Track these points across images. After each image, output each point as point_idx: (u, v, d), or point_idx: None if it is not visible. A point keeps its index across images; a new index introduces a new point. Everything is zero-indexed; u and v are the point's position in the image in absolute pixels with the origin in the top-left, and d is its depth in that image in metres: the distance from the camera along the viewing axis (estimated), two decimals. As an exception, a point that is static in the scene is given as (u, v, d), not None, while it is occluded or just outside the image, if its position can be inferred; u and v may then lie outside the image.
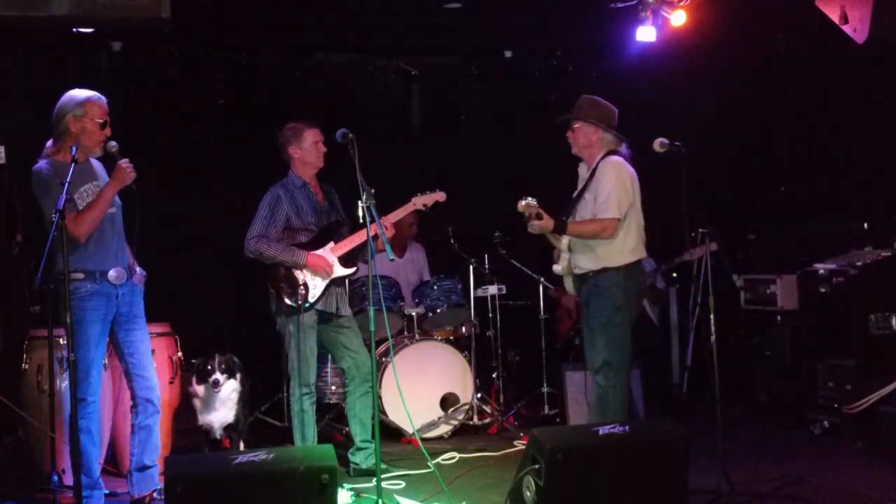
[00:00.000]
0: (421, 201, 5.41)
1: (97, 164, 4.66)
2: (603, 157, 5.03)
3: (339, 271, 5.30)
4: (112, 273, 4.54)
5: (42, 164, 4.50)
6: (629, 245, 4.99)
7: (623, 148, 5.08)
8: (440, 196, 5.44)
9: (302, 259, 5.20)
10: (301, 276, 5.22)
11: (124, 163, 4.50)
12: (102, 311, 4.51)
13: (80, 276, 4.42)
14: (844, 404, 5.77)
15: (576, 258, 5.05)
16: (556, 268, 5.19)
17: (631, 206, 4.97)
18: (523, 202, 4.80)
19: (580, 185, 5.14)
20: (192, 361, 5.34)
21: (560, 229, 4.91)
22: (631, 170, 5.01)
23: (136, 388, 4.69)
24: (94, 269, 4.49)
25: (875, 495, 4.65)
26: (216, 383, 5.10)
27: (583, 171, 5.17)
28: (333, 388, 6.57)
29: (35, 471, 5.03)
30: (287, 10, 6.60)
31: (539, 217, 4.82)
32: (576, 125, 5.06)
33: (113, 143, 4.54)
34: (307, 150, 5.31)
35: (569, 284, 5.21)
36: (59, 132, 4.53)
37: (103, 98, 4.60)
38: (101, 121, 4.53)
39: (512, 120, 7.83)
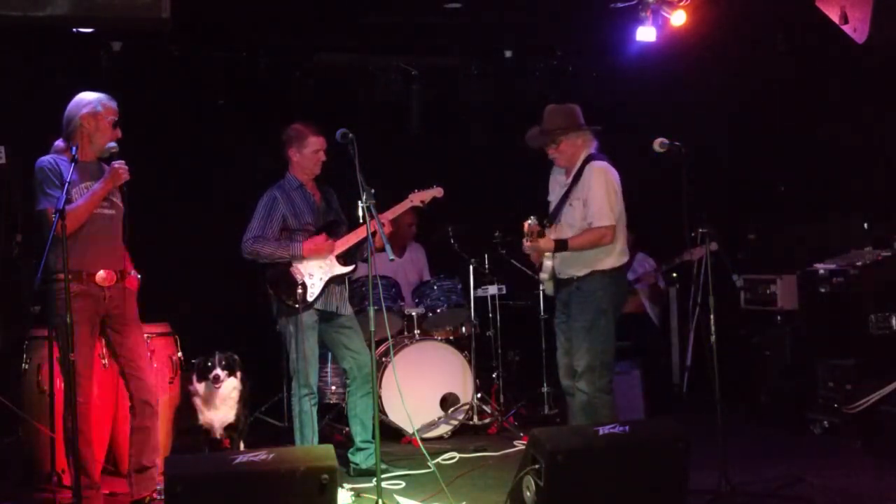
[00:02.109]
0: (418, 197, 5.40)
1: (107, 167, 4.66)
2: (586, 161, 5.00)
3: (338, 269, 5.30)
4: (100, 274, 4.53)
5: (48, 158, 4.53)
6: (618, 248, 4.99)
7: (596, 145, 5.08)
8: (438, 192, 5.43)
9: (298, 250, 5.20)
10: (298, 275, 5.22)
11: (118, 163, 4.51)
12: (89, 312, 4.49)
13: (68, 275, 4.42)
14: (844, 404, 5.77)
15: (563, 265, 5.01)
16: (544, 275, 5.11)
17: (620, 209, 4.98)
18: (529, 221, 4.81)
19: (559, 190, 5.11)
20: (192, 361, 5.34)
21: (561, 247, 4.88)
22: (616, 173, 5.01)
23: (132, 390, 4.68)
24: (80, 270, 4.48)
25: (875, 495, 4.65)
26: (216, 379, 5.11)
27: (560, 177, 5.15)
28: (333, 388, 6.57)
29: (35, 471, 5.03)
30: (287, 10, 6.60)
31: (542, 235, 4.81)
32: (562, 140, 5.01)
33: (112, 144, 4.55)
34: (306, 157, 5.31)
35: (549, 287, 5.18)
36: (70, 130, 4.55)
37: (114, 101, 4.65)
38: (114, 119, 4.57)
39: (512, 120, 7.83)
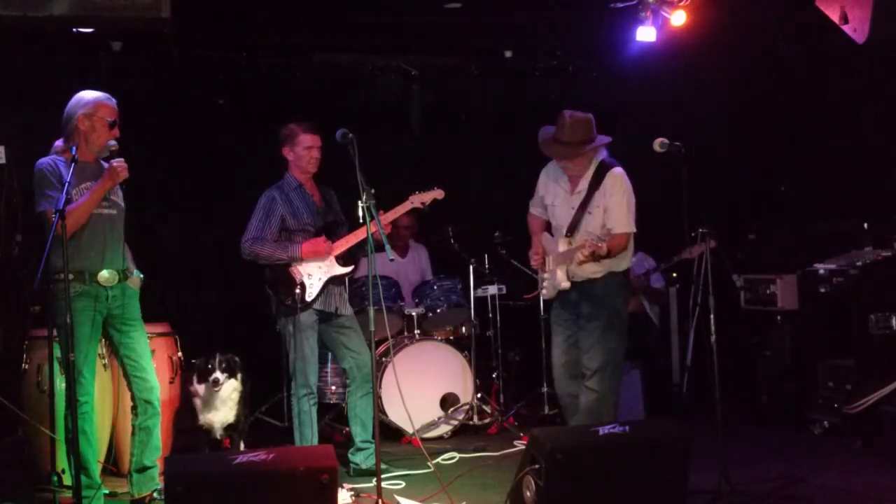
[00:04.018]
0: (419, 199, 5.40)
1: (106, 166, 4.65)
2: (603, 167, 5.02)
3: (337, 270, 5.30)
4: (103, 274, 4.54)
5: (47, 159, 4.53)
6: (630, 252, 5.09)
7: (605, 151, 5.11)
8: (438, 194, 5.42)
9: (297, 251, 5.20)
10: (297, 275, 5.22)
11: (116, 161, 4.50)
12: (91, 312, 4.50)
13: (70, 276, 4.42)
14: (844, 404, 5.77)
15: (580, 269, 5.02)
16: (564, 284, 5.04)
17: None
18: (599, 243, 4.82)
19: (565, 196, 5.09)
20: (192, 361, 5.34)
21: (600, 258, 4.91)
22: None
23: (135, 390, 4.69)
24: (83, 270, 4.48)
25: (875, 495, 4.64)
26: (216, 382, 5.11)
27: (564, 184, 5.11)
28: (333, 388, 6.57)
29: (35, 471, 5.03)
30: (287, 10, 6.60)
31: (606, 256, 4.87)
32: (582, 153, 5.00)
33: (112, 142, 4.54)
34: (299, 155, 5.32)
35: (551, 292, 5.17)
36: (69, 131, 4.56)
37: (113, 100, 4.63)
38: (111, 120, 4.55)
39: (512, 120, 7.83)
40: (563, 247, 5.06)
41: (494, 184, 7.82)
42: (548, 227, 5.32)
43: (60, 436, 4.46)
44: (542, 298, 6.81)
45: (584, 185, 5.05)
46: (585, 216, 5.02)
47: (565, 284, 5.05)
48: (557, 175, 5.16)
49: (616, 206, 4.98)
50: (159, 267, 5.12)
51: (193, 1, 5.58)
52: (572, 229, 5.04)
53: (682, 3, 6.21)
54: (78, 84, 4.68)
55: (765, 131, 7.42)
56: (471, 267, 6.73)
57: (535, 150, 5.19)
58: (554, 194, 5.18)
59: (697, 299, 6.65)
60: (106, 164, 4.63)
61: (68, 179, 4.28)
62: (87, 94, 4.59)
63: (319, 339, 5.32)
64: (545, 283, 5.20)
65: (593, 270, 5.00)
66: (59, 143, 4.62)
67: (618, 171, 5.04)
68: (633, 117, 7.40)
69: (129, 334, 4.68)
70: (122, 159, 4.52)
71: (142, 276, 4.80)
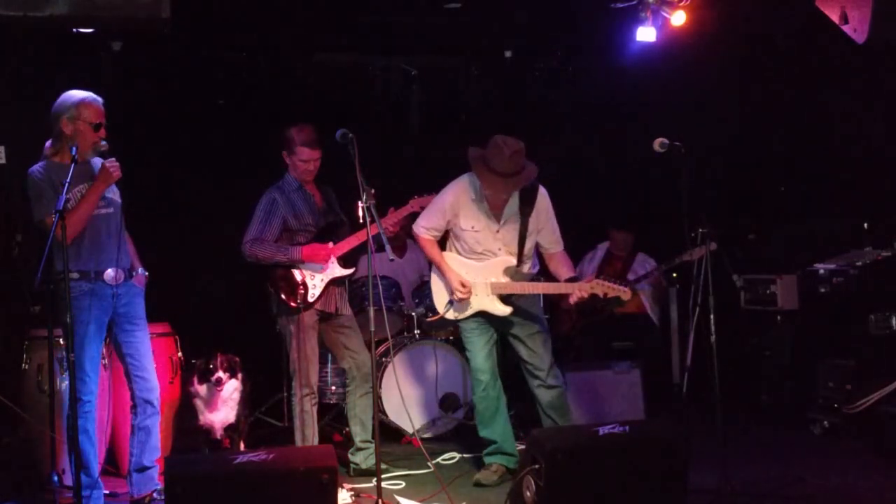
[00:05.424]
0: (419, 203, 5.44)
1: (98, 164, 4.63)
2: (525, 189, 5.03)
3: (338, 271, 5.30)
4: (109, 273, 4.53)
5: (37, 167, 4.50)
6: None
7: None
8: None
9: (297, 255, 5.21)
10: (299, 275, 5.23)
11: (109, 162, 4.47)
12: (97, 312, 4.50)
13: (76, 275, 4.42)
14: (844, 404, 5.77)
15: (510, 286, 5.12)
16: (505, 310, 5.09)
17: None
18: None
19: (486, 220, 5.06)
20: (192, 361, 5.35)
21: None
22: None
23: (135, 389, 4.69)
24: (89, 270, 4.49)
25: (875, 495, 4.65)
26: (219, 382, 5.12)
27: (484, 208, 5.05)
28: (333, 388, 6.56)
29: (35, 471, 5.04)
30: (287, 10, 6.59)
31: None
32: (521, 179, 4.98)
33: (103, 143, 4.51)
34: (294, 164, 5.33)
35: (469, 311, 5.16)
36: (55, 134, 4.53)
37: (99, 99, 4.57)
38: (95, 123, 4.51)
39: (512, 120, 7.83)
40: (506, 277, 5.08)
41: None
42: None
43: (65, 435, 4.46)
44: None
45: (511, 209, 5.06)
46: (528, 241, 5.10)
47: (508, 309, 5.11)
48: (478, 199, 5.09)
49: (553, 225, 5.14)
50: (159, 267, 5.11)
51: (193, 1, 5.58)
52: (520, 259, 5.11)
53: (682, 3, 6.20)
54: (78, 84, 4.66)
55: (765, 131, 7.42)
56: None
57: (535, 150, 5.17)
58: (475, 219, 5.10)
59: (697, 299, 6.64)
60: (98, 162, 4.60)
61: (68, 180, 4.24)
62: (71, 96, 4.53)
63: (319, 338, 5.33)
64: (468, 308, 5.15)
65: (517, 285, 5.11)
66: (48, 145, 4.58)
67: (544, 190, 5.13)
68: (634, 117, 7.40)
69: (133, 333, 4.68)
70: (113, 159, 4.48)
71: (147, 274, 4.80)
